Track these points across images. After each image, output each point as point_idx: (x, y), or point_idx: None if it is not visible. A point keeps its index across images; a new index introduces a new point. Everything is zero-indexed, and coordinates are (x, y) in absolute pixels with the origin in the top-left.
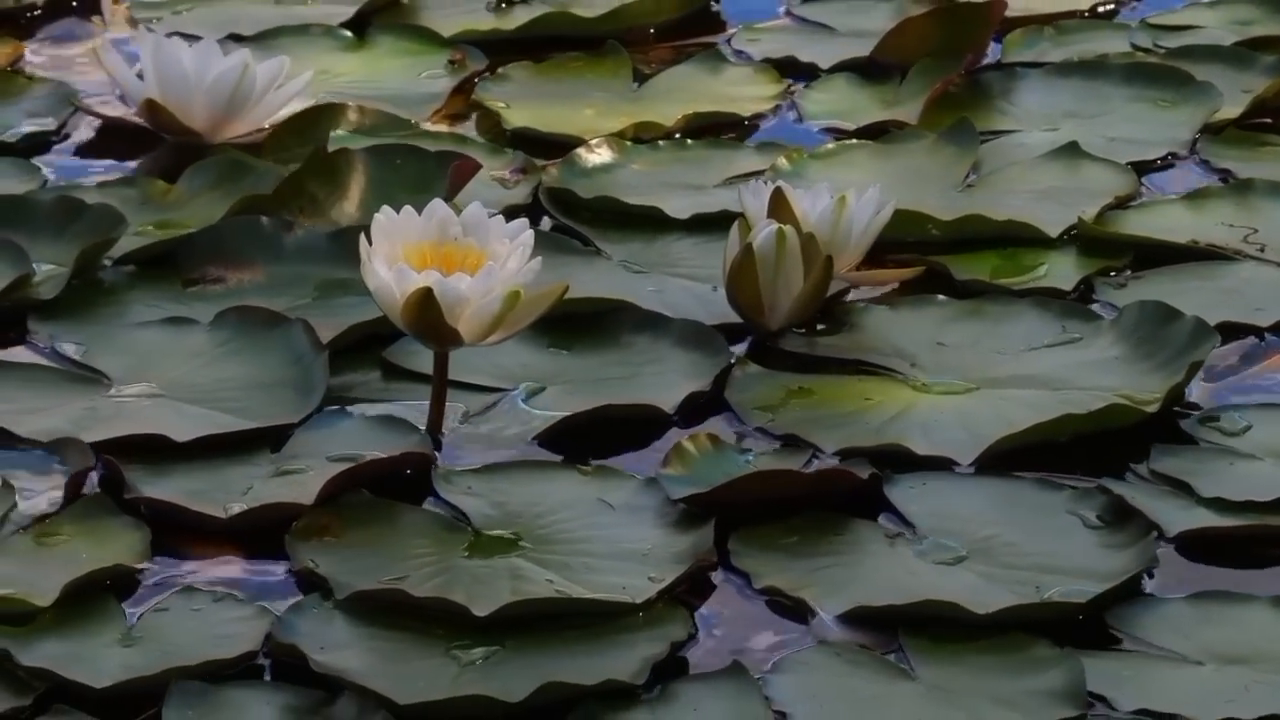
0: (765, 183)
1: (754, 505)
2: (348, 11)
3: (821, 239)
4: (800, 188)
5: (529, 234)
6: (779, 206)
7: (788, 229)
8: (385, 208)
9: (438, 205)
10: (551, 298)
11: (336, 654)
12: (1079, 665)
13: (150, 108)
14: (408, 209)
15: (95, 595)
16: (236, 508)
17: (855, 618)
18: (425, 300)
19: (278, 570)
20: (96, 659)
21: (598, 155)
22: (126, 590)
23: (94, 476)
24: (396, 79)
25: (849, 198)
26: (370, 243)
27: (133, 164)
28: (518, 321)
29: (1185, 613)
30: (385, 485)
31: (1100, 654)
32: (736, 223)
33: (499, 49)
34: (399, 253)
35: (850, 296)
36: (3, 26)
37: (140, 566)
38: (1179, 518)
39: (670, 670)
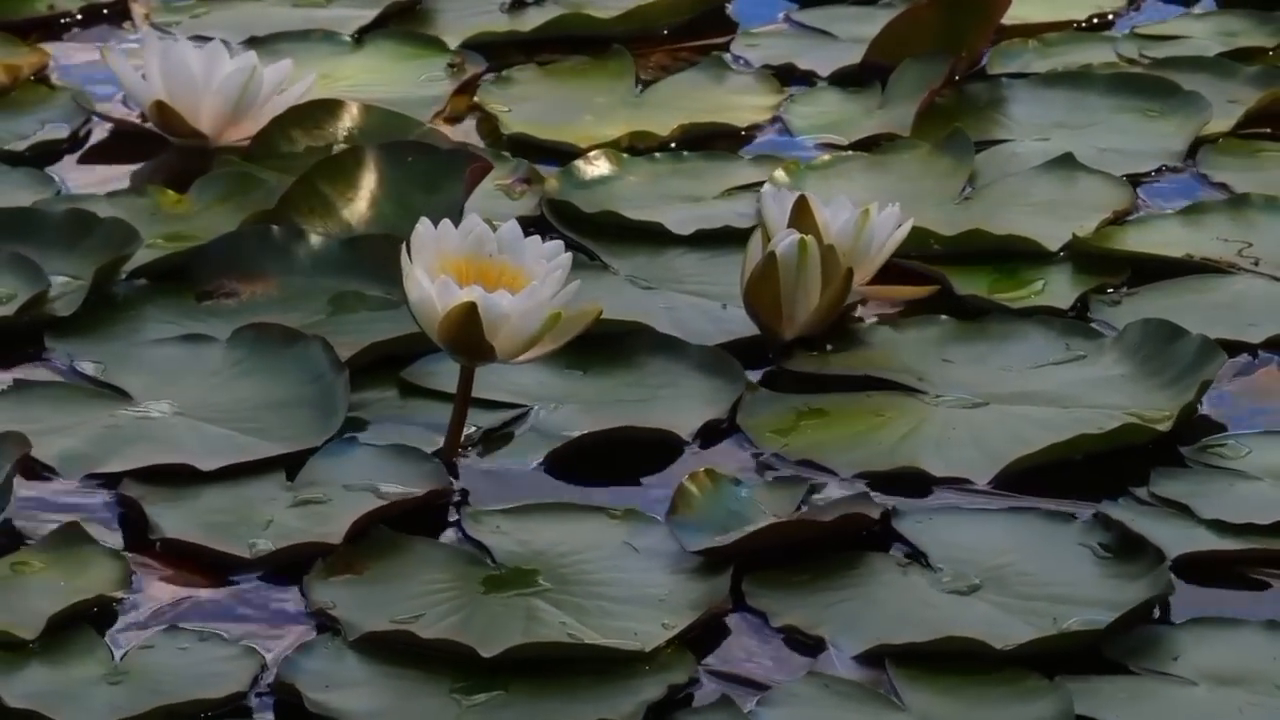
0: (788, 190)
1: (769, 548)
2: (368, 15)
3: (841, 251)
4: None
5: (567, 256)
6: (802, 216)
7: (810, 239)
8: (424, 220)
9: (475, 222)
10: (585, 320)
11: (339, 693)
12: (1068, 695)
13: (159, 109)
14: (445, 223)
15: (78, 628)
16: (262, 545)
17: (874, 656)
18: (468, 315)
19: (280, 604)
20: (85, 697)
21: (595, 167)
22: (109, 621)
23: (113, 508)
24: (397, 82)
25: (872, 211)
26: (409, 256)
27: (138, 168)
28: (552, 341)
29: (1180, 636)
30: (403, 515)
31: (1094, 678)
32: (756, 230)
33: (514, 51)
34: (436, 266)
35: (859, 312)
36: (34, 33)
37: (119, 596)
38: (1179, 540)
39: (670, 709)
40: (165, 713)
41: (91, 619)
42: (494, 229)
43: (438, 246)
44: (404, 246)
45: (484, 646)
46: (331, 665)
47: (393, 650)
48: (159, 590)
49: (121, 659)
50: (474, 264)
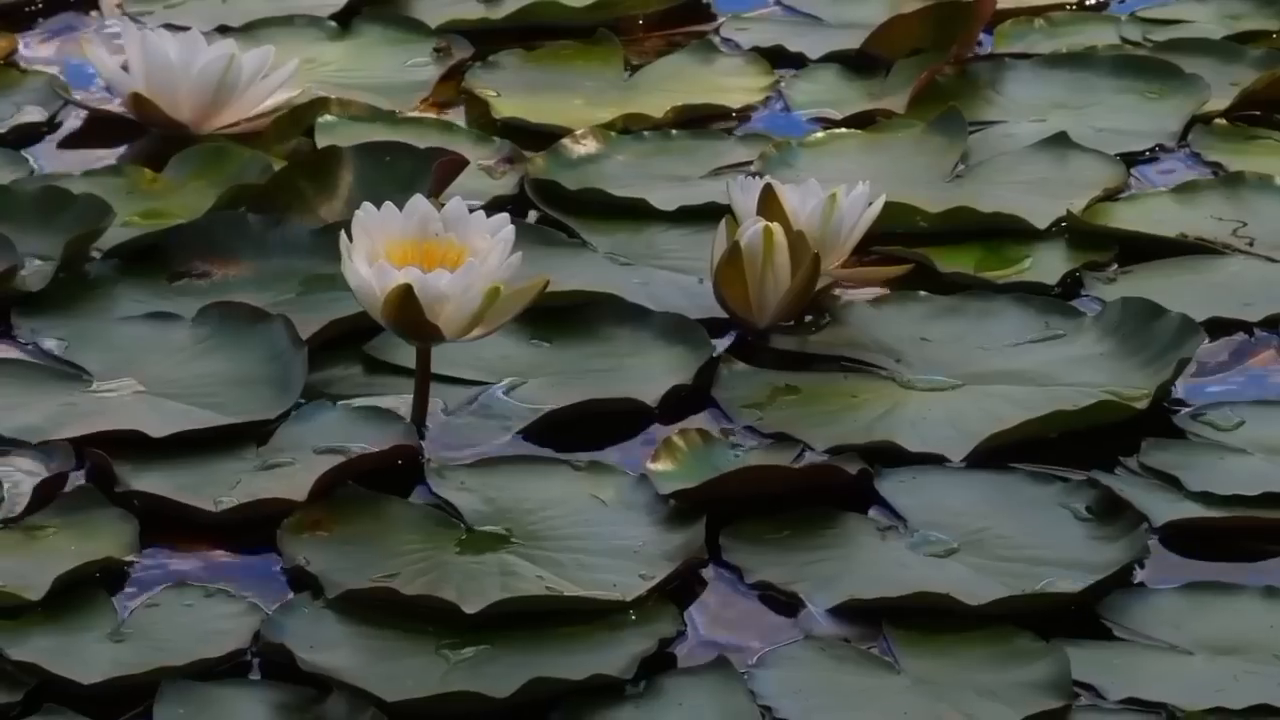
0: (754, 178)
1: (744, 501)
2: (338, 2)
3: (811, 236)
4: (790, 179)
5: (510, 229)
6: (768, 203)
7: (775, 227)
8: (366, 204)
9: (419, 201)
10: (532, 292)
11: (325, 653)
12: (1064, 656)
13: (136, 101)
14: (388, 205)
15: (85, 589)
16: (227, 501)
17: (846, 611)
18: (405, 297)
19: (267, 565)
20: (86, 654)
21: (583, 146)
22: (116, 584)
23: (81, 470)
24: (382, 68)
25: (839, 195)
26: (351, 239)
27: (120, 151)
28: (499, 317)
29: (1176, 603)
30: (373, 477)
31: (1090, 643)
32: (724, 219)
33: (487, 39)
34: (380, 249)
35: (836, 292)
36: (0, 20)
37: (129, 560)
38: (1166, 510)
39: (658, 666)
40: (165, 671)
41: (100, 581)
42: (473, 210)
43: (382, 229)
44: (342, 231)
45: (465, 603)
46: (313, 625)
47: (371, 608)
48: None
49: (128, 616)
50: (419, 245)
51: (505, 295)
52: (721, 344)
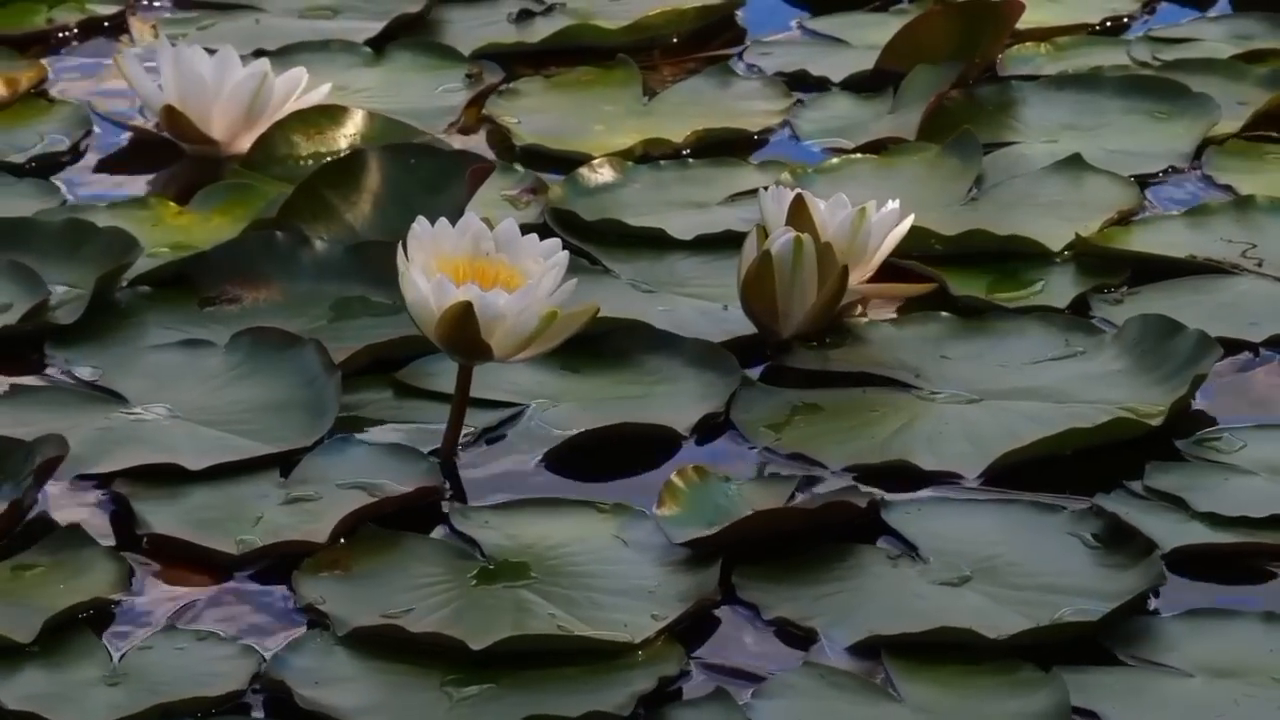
0: (785, 188)
1: (756, 539)
2: (374, 27)
3: (838, 249)
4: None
5: (564, 254)
6: (798, 214)
7: (805, 237)
8: (421, 219)
9: (472, 220)
10: (583, 318)
11: (329, 690)
12: (1063, 686)
13: (169, 115)
14: (442, 221)
15: (76, 630)
16: (250, 541)
17: (867, 647)
18: (464, 314)
19: (271, 600)
20: (82, 699)
21: (600, 175)
22: (106, 623)
23: (104, 503)
24: (414, 94)
25: (869, 209)
26: (406, 254)
27: (147, 178)
28: (549, 340)
29: (1177, 627)
30: (395, 513)
31: (1091, 669)
32: (754, 228)
33: (522, 62)
34: (434, 265)
35: (859, 310)
36: (33, 47)
37: (117, 599)
38: (1173, 533)
39: (662, 701)
40: (162, 711)
41: (90, 621)
42: (491, 228)
43: (435, 246)
44: (399, 246)
45: (473, 639)
46: (321, 661)
47: (382, 645)
48: (156, 590)
49: (120, 660)
50: (471, 263)
51: (558, 319)
52: (752, 372)
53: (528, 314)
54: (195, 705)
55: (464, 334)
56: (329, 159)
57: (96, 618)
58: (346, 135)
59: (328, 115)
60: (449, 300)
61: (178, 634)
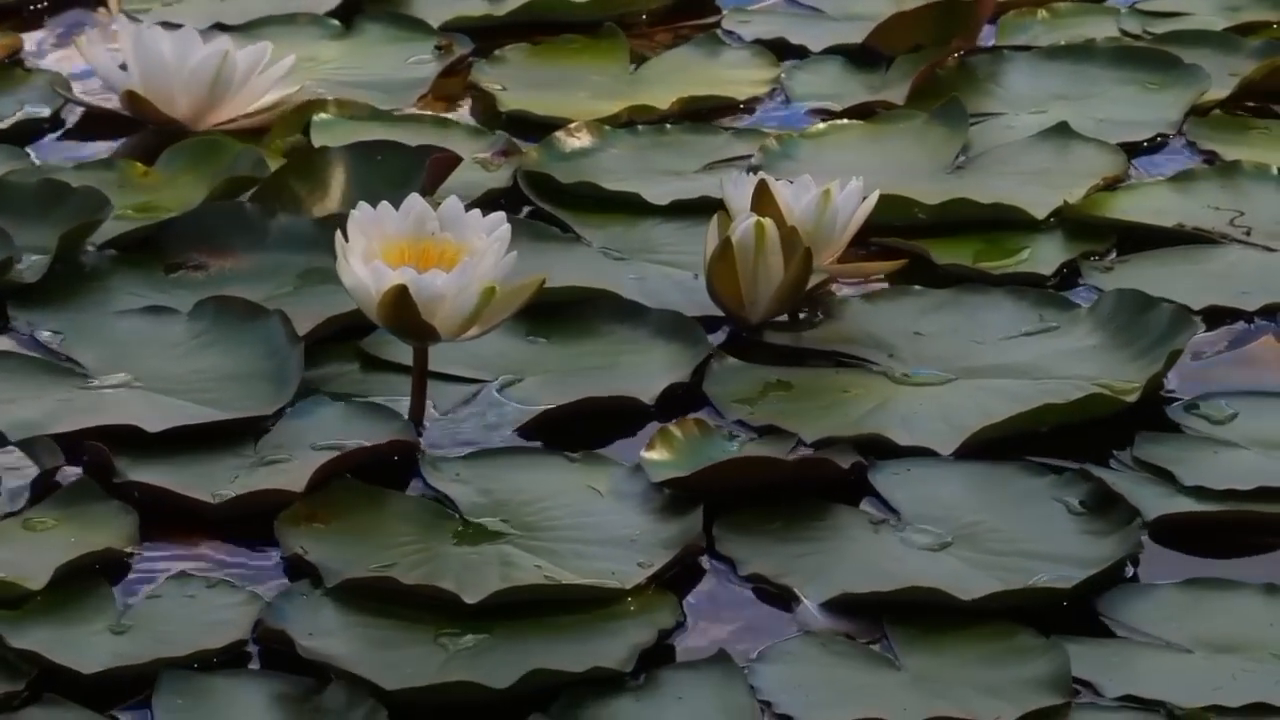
0: (748, 173)
1: (736, 492)
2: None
3: (805, 231)
4: (790, 171)
5: (506, 228)
6: (762, 198)
7: (767, 222)
8: (362, 203)
9: (414, 200)
10: (529, 291)
11: (324, 640)
12: (1064, 653)
13: (131, 99)
14: (384, 204)
15: (86, 580)
16: (226, 493)
17: (839, 605)
18: (401, 298)
19: (267, 557)
20: (87, 645)
21: (576, 139)
22: (117, 575)
23: (79, 464)
24: (382, 66)
25: (833, 191)
26: (346, 239)
27: (115, 144)
28: (495, 315)
29: (1175, 599)
30: (371, 471)
31: (1088, 640)
32: (716, 214)
33: (490, 35)
34: (376, 248)
35: (833, 287)
36: (6, 19)
37: (129, 551)
38: (1159, 504)
39: (657, 658)
40: (166, 662)
41: (102, 571)
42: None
43: (378, 228)
44: (338, 231)
45: (465, 592)
46: (311, 613)
47: (370, 598)
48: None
49: (128, 608)
50: (415, 244)
51: (501, 294)
52: (715, 340)
53: (466, 292)
54: (198, 656)
55: (405, 317)
56: (294, 140)
57: (107, 569)
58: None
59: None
60: (385, 284)
61: (188, 581)
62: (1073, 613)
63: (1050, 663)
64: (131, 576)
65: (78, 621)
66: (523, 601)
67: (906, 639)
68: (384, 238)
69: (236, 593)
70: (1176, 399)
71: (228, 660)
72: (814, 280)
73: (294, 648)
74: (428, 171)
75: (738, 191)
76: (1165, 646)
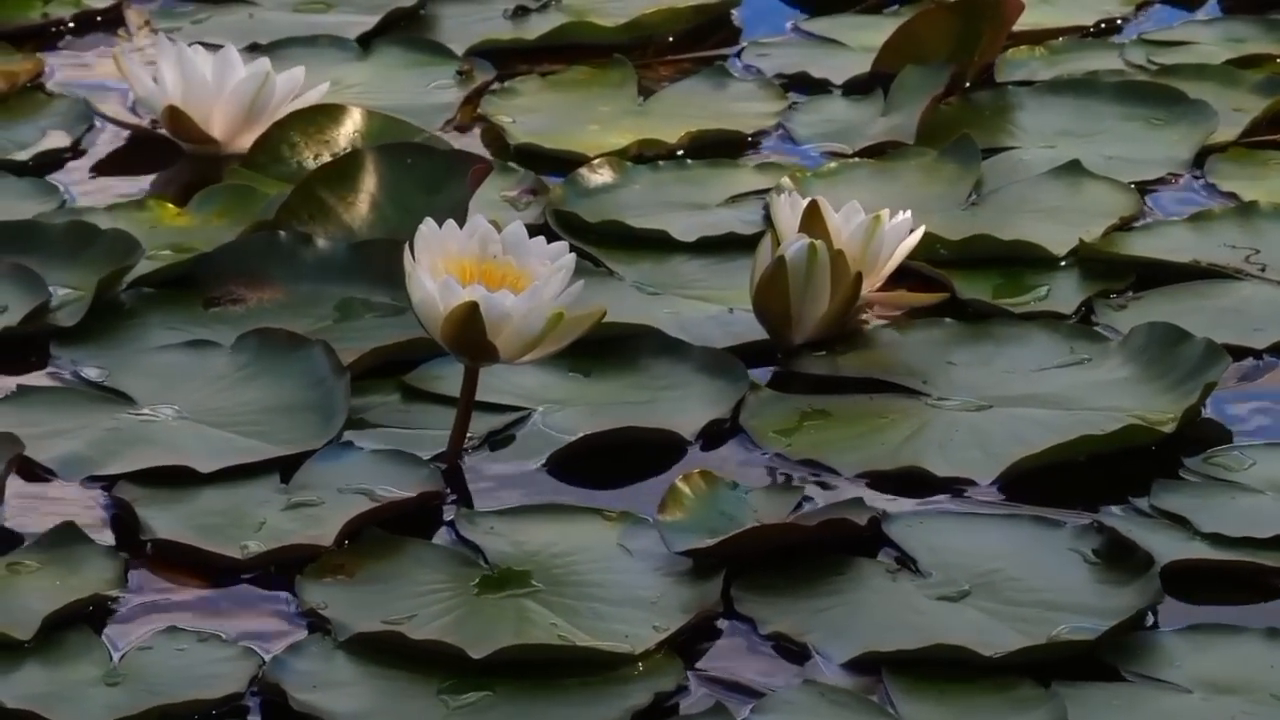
0: (797, 194)
1: (756, 551)
2: (368, 22)
3: (851, 256)
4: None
5: (571, 257)
6: (812, 220)
7: (820, 244)
8: (429, 220)
9: (479, 222)
10: (589, 321)
11: (325, 694)
12: (1062, 704)
13: (172, 115)
14: (450, 223)
15: (75, 628)
16: (254, 546)
17: (862, 664)
18: (469, 315)
19: (275, 604)
20: (81, 699)
21: (599, 176)
22: (105, 621)
23: (106, 509)
24: (405, 90)
25: (883, 217)
26: (414, 256)
27: (147, 179)
28: (555, 342)
29: (1176, 642)
30: (397, 518)
31: (1089, 685)
32: (766, 235)
33: (517, 59)
34: (440, 266)
35: (867, 316)
36: (29, 41)
37: (114, 595)
38: (1174, 550)
39: (659, 716)
40: (161, 713)
41: (88, 619)
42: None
43: (442, 247)
44: (406, 247)
45: (473, 648)
46: (320, 665)
47: (382, 651)
48: (154, 592)
49: (120, 660)
50: (478, 264)
51: (565, 322)
52: (756, 373)
53: (534, 315)
54: (194, 708)
55: (470, 334)
56: (329, 158)
57: (95, 616)
58: (346, 135)
59: (327, 114)
60: (455, 300)
61: (179, 634)
62: (1075, 658)
63: (1049, 714)
64: (121, 623)
65: (70, 673)
66: (531, 660)
67: (905, 690)
68: (448, 256)
69: (229, 646)
70: (1205, 433)
71: (227, 713)
72: (855, 306)
73: (288, 700)
74: (470, 180)
75: (787, 213)
76: (1166, 688)
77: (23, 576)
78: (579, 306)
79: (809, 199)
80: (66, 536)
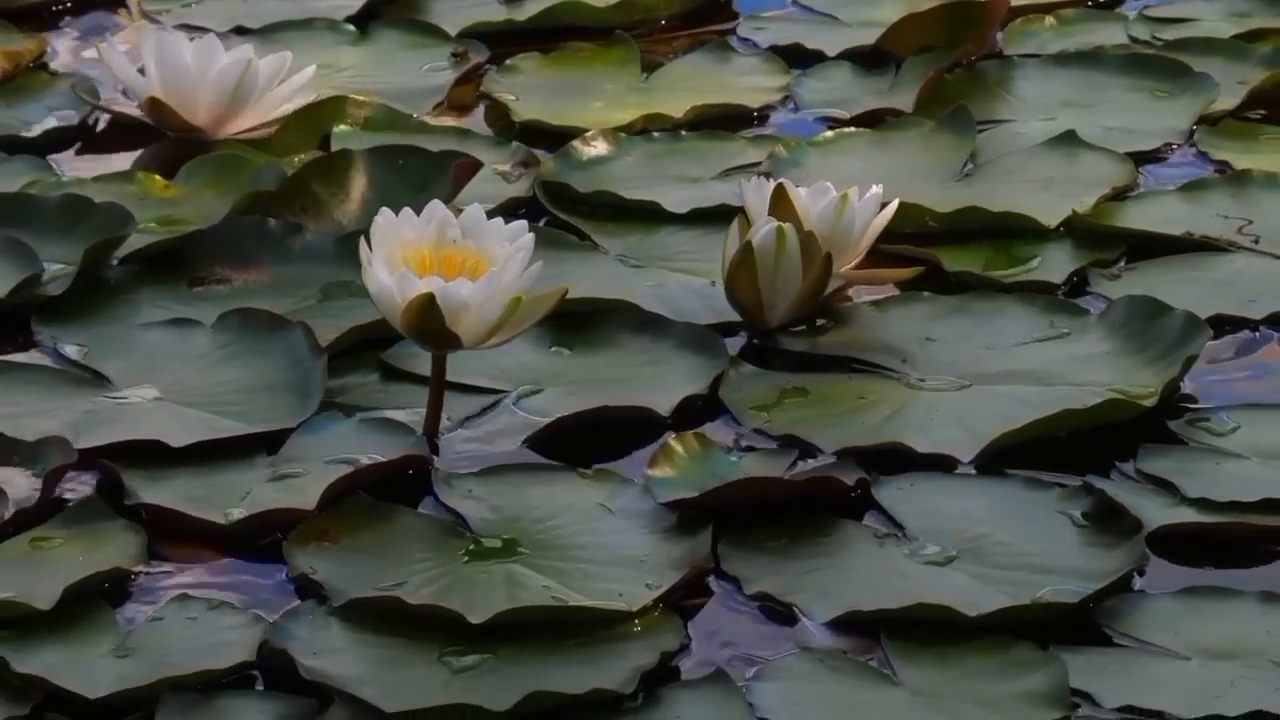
0: (766, 178)
1: (742, 509)
2: (355, 4)
3: (822, 236)
4: (798, 178)
5: (529, 237)
6: (780, 203)
7: (788, 227)
8: (385, 209)
9: (436, 207)
10: (551, 301)
11: (328, 660)
12: (1062, 667)
13: (153, 105)
14: (406, 211)
15: (91, 601)
16: (237, 513)
17: (846, 623)
18: (427, 306)
19: (274, 575)
20: (92, 669)
21: (593, 148)
22: (122, 595)
23: (91, 481)
24: (399, 73)
25: (851, 196)
26: (370, 246)
27: (136, 154)
28: (517, 325)
29: (1173, 608)
30: (383, 487)
31: (1087, 650)
32: (736, 219)
33: (511, 41)
34: (398, 255)
35: (846, 294)
36: (30, 21)
37: (136, 570)
38: (1162, 516)
39: (659, 679)
40: (170, 684)
41: (105, 593)
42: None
43: (399, 235)
44: (362, 238)
45: (470, 612)
46: (317, 632)
47: (377, 617)
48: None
49: (131, 630)
50: (436, 251)
51: (525, 304)
52: (732, 346)
53: (492, 302)
54: (202, 678)
55: (430, 325)
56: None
57: (112, 589)
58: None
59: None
60: (412, 292)
61: (190, 603)
62: (1071, 622)
63: (1048, 676)
64: (139, 596)
65: (82, 644)
66: (529, 622)
67: (904, 654)
68: (405, 244)
69: (239, 614)
70: (1184, 406)
71: (233, 682)
72: (831, 286)
73: (296, 668)
74: (452, 176)
75: (757, 197)
76: (1163, 655)
77: (46, 551)
78: (546, 285)
79: (776, 182)
80: (91, 511)
